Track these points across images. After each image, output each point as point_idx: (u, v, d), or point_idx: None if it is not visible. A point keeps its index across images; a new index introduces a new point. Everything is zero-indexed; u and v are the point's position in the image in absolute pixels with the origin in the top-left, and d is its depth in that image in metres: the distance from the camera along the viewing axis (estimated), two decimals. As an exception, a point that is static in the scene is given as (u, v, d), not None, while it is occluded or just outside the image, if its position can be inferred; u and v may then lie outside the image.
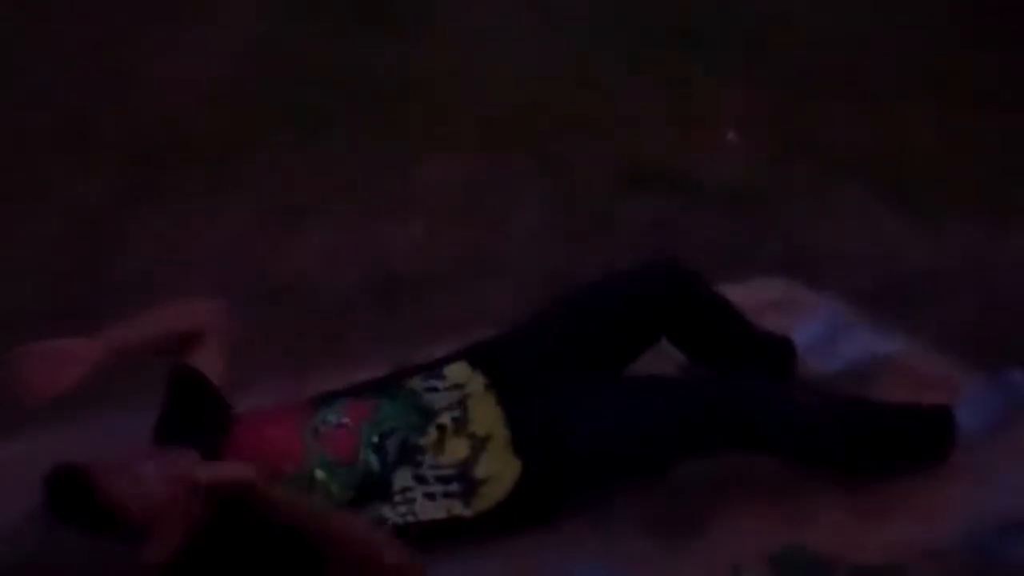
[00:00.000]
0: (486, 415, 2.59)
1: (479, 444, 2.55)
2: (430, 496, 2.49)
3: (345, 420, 2.56)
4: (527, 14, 7.25)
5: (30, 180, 4.78)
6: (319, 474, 2.46)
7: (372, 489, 2.47)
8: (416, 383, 2.67)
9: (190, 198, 4.67)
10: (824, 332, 3.27)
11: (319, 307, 3.93)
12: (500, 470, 2.53)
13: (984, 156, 5.55)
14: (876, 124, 5.88)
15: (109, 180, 4.76)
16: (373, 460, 2.50)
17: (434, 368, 2.71)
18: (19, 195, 4.61)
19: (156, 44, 6.41)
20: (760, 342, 3.05)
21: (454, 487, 2.50)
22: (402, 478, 2.49)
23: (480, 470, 2.52)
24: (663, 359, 2.95)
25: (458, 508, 2.49)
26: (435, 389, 2.66)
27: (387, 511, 2.46)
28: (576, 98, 5.94)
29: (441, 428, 2.56)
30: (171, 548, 2.33)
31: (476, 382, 2.65)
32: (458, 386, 2.65)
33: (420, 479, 2.50)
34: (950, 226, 4.77)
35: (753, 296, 3.62)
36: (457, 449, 2.53)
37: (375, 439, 2.52)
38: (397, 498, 2.47)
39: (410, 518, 2.46)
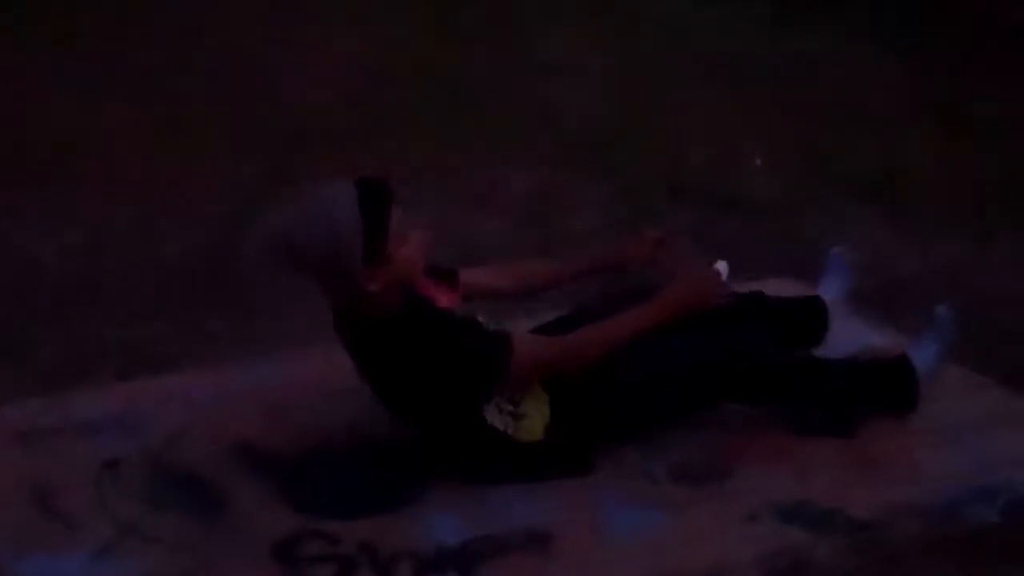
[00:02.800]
0: None
1: (527, 388, 2.56)
2: (500, 409, 2.52)
3: None
4: (603, 48, 7.25)
5: (198, 154, 4.85)
6: None
7: None
8: None
9: (314, 180, 4.69)
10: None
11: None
12: (535, 413, 2.56)
13: (969, 180, 5.49)
14: (882, 150, 5.83)
15: (258, 159, 4.81)
16: None
17: None
18: (187, 166, 4.68)
19: (302, 53, 6.49)
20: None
21: (511, 409, 2.53)
22: (499, 391, 2.51)
23: (523, 407, 2.55)
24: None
25: (511, 428, 2.53)
26: None
27: (488, 409, 2.50)
28: (634, 119, 5.93)
29: None
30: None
31: None
32: None
33: (504, 396, 2.52)
34: (939, 239, 4.73)
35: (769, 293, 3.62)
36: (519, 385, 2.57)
37: None
38: (492, 403, 2.51)
39: (491, 422, 2.51)
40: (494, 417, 2.52)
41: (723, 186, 5.10)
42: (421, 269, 2.49)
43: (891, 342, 3.20)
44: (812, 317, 3.13)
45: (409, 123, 5.52)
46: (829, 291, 3.22)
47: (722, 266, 2.66)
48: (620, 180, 4.99)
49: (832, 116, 6.31)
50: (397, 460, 2.59)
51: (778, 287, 3.66)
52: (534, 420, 2.56)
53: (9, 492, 2.41)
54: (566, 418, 2.58)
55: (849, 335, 3.18)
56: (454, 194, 4.69)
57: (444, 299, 2.61)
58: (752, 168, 5.44)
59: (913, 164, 5.64)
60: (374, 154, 5.03)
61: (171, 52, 6.34)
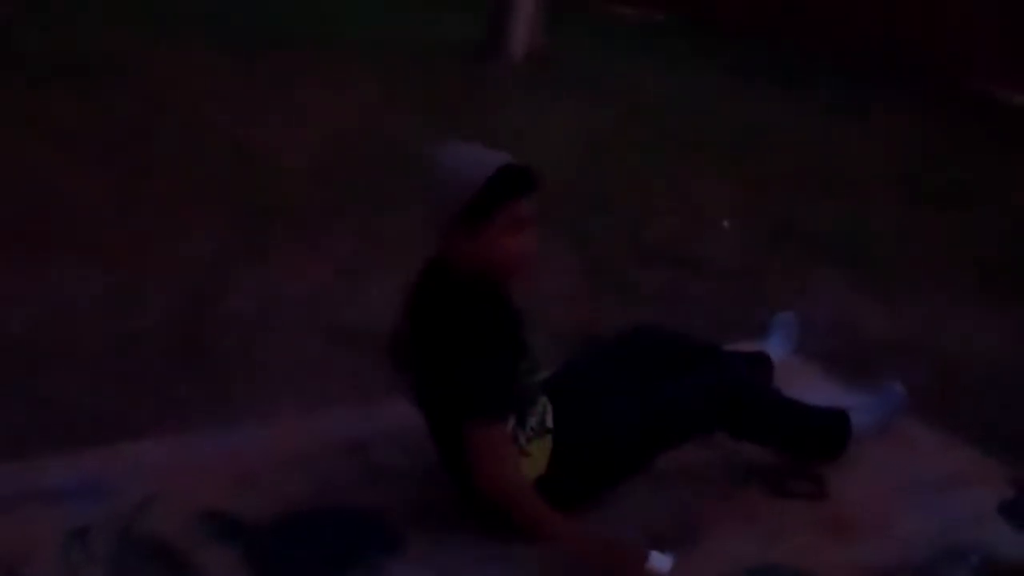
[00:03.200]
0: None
1: (544, 432, 2.57)
2: (515, 436, 2.50)
3: None
4: (565, 112, 7.31)
5: (168, 224, 4.85)
6: None
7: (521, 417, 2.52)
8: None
9: (284, 254, 4.71)
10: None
11: (384, 349, 3.92)
12: (539, 458, 2.55)
13: (935, 244, 5.56)
14: (846, 215, 5.90)
15: (223, 236, 4.81)
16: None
17: None
18: (157, 236, 4.68)
19: (271, 126, 6.51)
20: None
21: (523, 445, 2.52)
22: (531, 420, 2.54)
23: (532, 447, 2.54)
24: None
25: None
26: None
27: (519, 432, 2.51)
28: (603, 187, 5.97)
29: (544, 406, 2.60)
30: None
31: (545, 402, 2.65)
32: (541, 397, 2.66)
33: (524, 427, 2.53)
34: (906, 302, 4.77)
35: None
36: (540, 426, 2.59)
37: None
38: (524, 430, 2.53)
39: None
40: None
41: (690, 250, 5.15)
42: (510, 266, 2.48)
43: (861, 402, 3.22)
44: (758, 370, 3.17)
45: (378, 196, 5.54)
46: (774, 350, 3.27)
47: (662, 563, 2.42)
48: (590, 245, 5.02)
49: (797, 183, 6.40)
50: (366, 527, 2.58)
51: (749, 349, 3.69)
52: (532, 465, 2.55)
53: (-25, 561, 2.38)
54: (560, 473, 2.57)
55: (819, 396, 3.19)
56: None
57: None
58: (719, 232, 5.49)
59: (878, 229, 5.72)
60: (343, 228, 5.05)
61: (140, 124, 6.36)
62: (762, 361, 3.23)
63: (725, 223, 5.58)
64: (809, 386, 3.25)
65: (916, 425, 3.15)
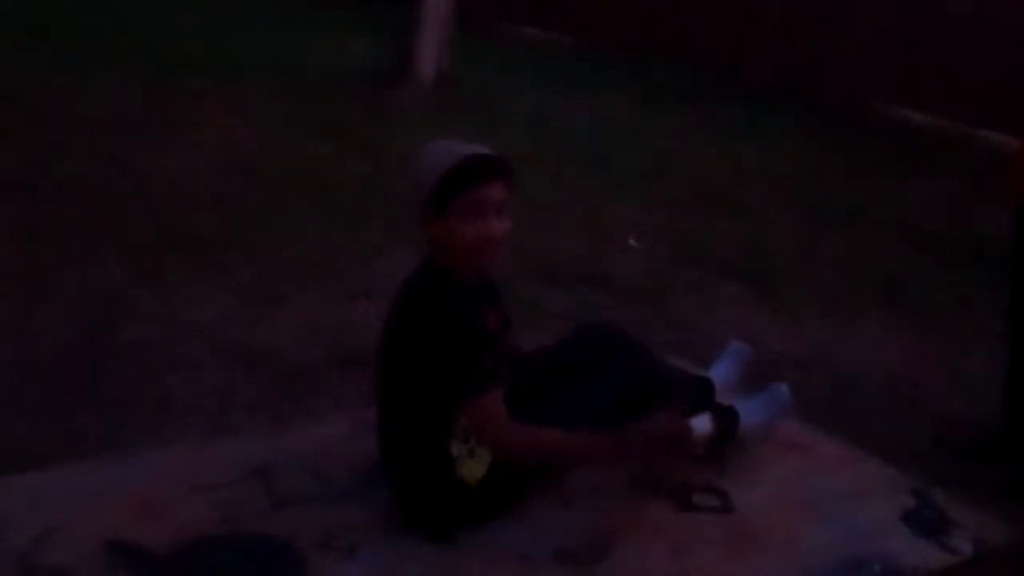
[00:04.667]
0: None
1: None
2: (465, 438, 2.56)
3: None
4: (472, 136, 7.29)
5: (68, 255, 4.76)
6: None
7: None
8: None
9: (186, 281, 4.63)
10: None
11: (288, 374, 3.89)
12: (483, 460, 2.58)
13: (835, 263, 5.66)
14: (748, 235, 5.97)
15: (124, 263, 4.73)
16: None
17: None
18: (57, 268, 4.58)
19: (172, 157, 6.41)
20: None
21: (472, 445, 2.56)
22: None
23: (479, 450, 2.57)
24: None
25: (462, 460, 2.56)
26: None
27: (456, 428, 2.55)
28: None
29: None
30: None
31: None
32: None
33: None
34: (806, 319, 4.84)
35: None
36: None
37: None
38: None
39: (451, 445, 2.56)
40: (457, 441, 2.55)
41: (598, 269, 5.17)
42: (471, 249, 2.55)
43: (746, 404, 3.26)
44: (701, 391, 3.17)
45: (282, 222, 5.49)
46: (717, 375, 3.27)
47: (701, 423, 2.61)
48: (499, 268, 5.01)
49: (700, 203, 6.47)
50: (272, 553, 2.54)
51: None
52: (476, 466, 2.56)
53: None
54: (499, 473, 2.59)
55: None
56: (335, 288, 4.68)
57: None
58: (626, 250, 5.53)
59: (779, 248, 5.80)
60: (247, 253, 4.98)
61: (40, 151, 6.23)
62: (705, 386, 3.22)
63: (632, 241, 5.63)
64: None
65: (818, 437, 3.20)
